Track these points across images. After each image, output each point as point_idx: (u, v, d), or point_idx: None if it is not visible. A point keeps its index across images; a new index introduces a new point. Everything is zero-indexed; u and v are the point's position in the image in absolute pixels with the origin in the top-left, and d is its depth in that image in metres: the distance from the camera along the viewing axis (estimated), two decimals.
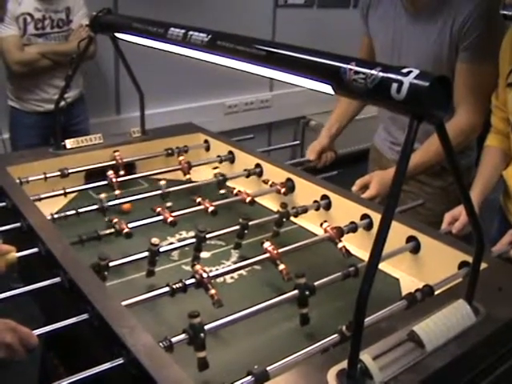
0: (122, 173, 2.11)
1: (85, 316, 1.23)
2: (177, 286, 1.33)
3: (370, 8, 2.26)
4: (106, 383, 1.23)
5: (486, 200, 1.87)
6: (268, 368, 1.08)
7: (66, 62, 3.11)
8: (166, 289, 1.33)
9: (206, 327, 1.18)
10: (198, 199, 1.81)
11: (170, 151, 2.26)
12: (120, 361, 1.09)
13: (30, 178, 1.92)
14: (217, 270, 1.47)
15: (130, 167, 2.19)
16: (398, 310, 1.28)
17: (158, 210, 1.72)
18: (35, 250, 1.50)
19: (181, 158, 2.16)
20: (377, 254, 0.94)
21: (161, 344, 1.13)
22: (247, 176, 2.11)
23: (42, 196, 1.84)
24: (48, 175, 1.97)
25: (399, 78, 0.97)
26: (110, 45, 2.16)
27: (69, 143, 2.16)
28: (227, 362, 1.28)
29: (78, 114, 3.44)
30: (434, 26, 2.02)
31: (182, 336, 1.16)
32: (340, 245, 1.63)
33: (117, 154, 2.16)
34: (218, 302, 1.35)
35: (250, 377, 1.06)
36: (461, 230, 1.69)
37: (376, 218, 1.69)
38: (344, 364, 1.01)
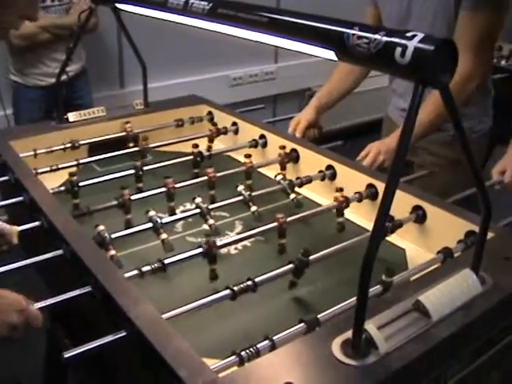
0: (131, 144, 2.11)
1: (88, 288, 1.22)
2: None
3: None
4: (111, 356, 1.23)
5: None
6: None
7: (68, 36, 3.11)
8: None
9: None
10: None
11: (179, 122, 2.26)
12: (123, 333, 1.09)
13: (33, 152, 1.91)
14: (221, 240, 1.46)
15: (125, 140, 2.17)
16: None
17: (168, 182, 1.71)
18: (37, 223, 1.50)
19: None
20: (382, 219, 0.93)
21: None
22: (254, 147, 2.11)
23: (45, 170, 1.83)
24: (52, 149, 1.95)
25: (403, 42, 0.94)
26: (113, 18, 2.13)
27: (71, 116, 2.15)
28: (230, 332, 1.29)
29: (81, 87, 3.42)
30: None
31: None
32: (341, 219, 1.66)
33: (127, 125, 2.16)
34: None
35: (302, 324, 1.12)
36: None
37: (381, 187, 1.67)
38: (349, 334, 1.00)
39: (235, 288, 1.22)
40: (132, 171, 1.84)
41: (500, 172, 1.84)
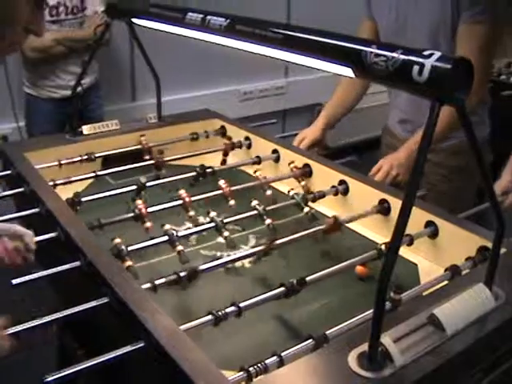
0: (146, 157, 2.13)
1: (105, 299, 1.23)
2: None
3: None
4: (126, 368, 1.24)
5: None
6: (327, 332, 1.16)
7: (81, 49, 3.14)
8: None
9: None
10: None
11: (195, 136, 2.29)
12: (141, 344, 1.10)
13: (48, 164, 1.93)
14: (235, 254, 1.48)
15: (140, 154, 2.18)
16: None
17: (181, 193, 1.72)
18: (54, 234, 1.51)
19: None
20: (398, 235, 0.94)
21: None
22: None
23: (61, 181, 1.85)
24: (66, 161, 1.98)
25: (421, 60, 0.96)
26: (125, 32, 2.16)
27: (85, 129, 2.17)
28: (247, 345, 1.30)
29: (93, 100, 3.45)
30: None
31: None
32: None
33: (143, 138, 2.18)
34: None
35: (310, 340, 1.14)
36: None
37: (393, 202, 1.69)
38: (365, 347, 1.02)
39: (219, 313, 1.21)
40: (133, 187, 1.84)
41: (503, 192, 1.87)
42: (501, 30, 2.03)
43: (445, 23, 2.03)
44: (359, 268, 1.51)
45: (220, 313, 1.20)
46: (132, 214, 1.63)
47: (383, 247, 1.45)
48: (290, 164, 1.99)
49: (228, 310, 1.21)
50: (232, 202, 1.77)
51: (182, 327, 1.14)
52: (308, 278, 1.33)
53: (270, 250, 1.48)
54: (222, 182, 1.79)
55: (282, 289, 1.29)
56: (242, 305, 1.23)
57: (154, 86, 2.33)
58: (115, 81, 3.84)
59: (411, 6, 2.10)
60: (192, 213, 1.71)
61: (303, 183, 1.95)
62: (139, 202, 1.65)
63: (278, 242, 1.51)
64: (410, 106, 2.24)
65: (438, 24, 2.04)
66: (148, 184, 1.84)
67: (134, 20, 1.98)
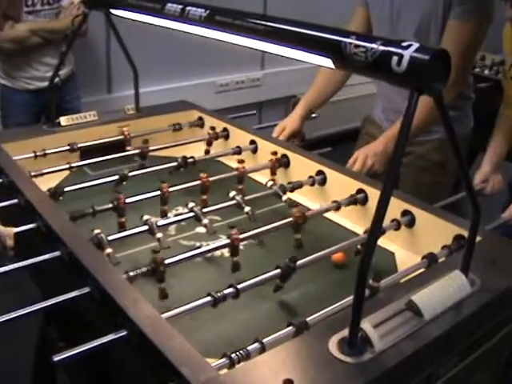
0: (128, 148, 2.13)
1: (86, 289, 1.24)
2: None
3: None
4: (108, 357, 1.25)
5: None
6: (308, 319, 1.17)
7: (57, 40, 3.12)
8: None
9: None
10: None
11: (177, 126, 2.29)
12: (124, 332, 1.11)
13: (26, 155, 1.93)
14: (214, 243, 1.49)
15: (121, 144, 2.18)
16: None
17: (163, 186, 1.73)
18: (34, 225, 1.51)
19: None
20: (377, 224, 0.96)
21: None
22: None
23: (40, 172, 1.85)
24: (44, 152, 1.97)
25: (399, 51, 0.98)
26: (101, 22, 2.15)
27: (63, 120, 2.17)
28: (229, 333, 1.31)
29: (70, 92, 3.43)
30: None
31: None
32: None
33: (125, 129, 2.18)
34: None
35: (291, 327, 1.15)
36: None
37: (371, 192, 1.72)
38: (345, 332, 1.04)
39: (218, 294, 1.23)
40: (115, 177, 1.85)
41: (482, 181, 1.92)
42: (486, 29, 2.07)
43: (436, 16, 2.07)
44: (336, 256, 1.53)
45: (219, 294, 1.23)
46: (110, 205, 1.64)
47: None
48: (272, 154, 2.01)
49: (226, 291, 1.25)
50: (204, 197, 1.79)
51: (164, 315, 1.15)
52: (299, 263, 1.36)
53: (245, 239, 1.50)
54: (202, 175, 1.81)
55: (278, 271, 1.33)
56: (239, 286, 1.27)
57: (129, 78, 2.32)
58: (91, 72, 3.82)
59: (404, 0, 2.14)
60: (165, 207, 1.72)
61: (274, 177, 1.96)
62: (120, 195, 1.65)
63: (255, 231, 1.53)
64: (399, 95, 2.27)
65: (430, 17, 2.08)
66: (131, 174, 1.85)
67: (112, 10, 1.98)
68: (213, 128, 2.26)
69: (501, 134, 2.08)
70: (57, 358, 1.05)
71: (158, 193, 1.71)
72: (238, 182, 1.89)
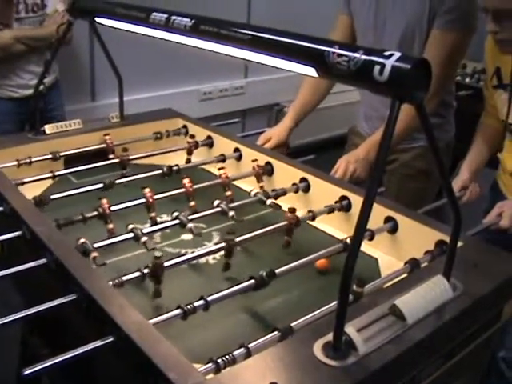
0: (111, 156, 2.14)
1: (73, 296, 1.25)
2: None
3: None
4: (96, 364, 1.26)
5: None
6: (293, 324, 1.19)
7: (41, 47, 3.12)
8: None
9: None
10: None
11: (158, 135, 2.30)
12: (110, 338, 1.12)
13: (11, 163, 1.93)
14: (199, 250, 1.51)
15: (104, 152, 2.19)
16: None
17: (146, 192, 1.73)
18: (19, 233, 1.52)
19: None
20: (361, 229, 0.98)
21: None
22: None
23: (25, 180, 1.85)
24: (29, 160, 1.97)
25: (381, 60, 1.00)
26: (85, 30, 2.16)
27: (48, 128, 2.17)
28: (215, 338, 1.32)
29: (54, 99, 3.42)
30: None
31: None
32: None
33: (107, 137, 2.18)
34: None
35: (276, 332, 1.17)
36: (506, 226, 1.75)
37: (354, 199, 1.74)
38: (329, 337, 1.06)
39: (187, 307, 1.23)
40: (100, 185, 1.85)
41: (460, 189, 1.95)
42: (470, 39, 2.12)
43: (420, 26, 2.11)
44: (319, 262, 1.55)
45: (188, 307, 1.22)
46: (96, 213, 1.64)
47: (348, 240, 1.49)
48: (253, 161, 2.02)
49: (196, 303, 1.24)
50: (192, 203, 1.80)
51: (151, 321, 1.16)
52: (277, 271, 1.36)
53: (233, 246, 1.51)
54: (186, 181, 1.81)
55: (252, 281, 1.32)
56: (209, 299, 1.25)
57: (113, 86, 2.33)
58: (75, 80, 3.83)
59: (389, 7, 2.18)
60: (153, 214, 1.72)
61: (262, 184, 1.98)
62: (104, 200, 1.66)
63: (240, 238, 1.53)
64: (382, 103, 2.30)
65: (414, 26, 2.12)
66: (116, 182, 1.87)
67: (97, 19, 1.99)
68: (192, 136, 2.27)
69: (480, 142, 2.11)
70: (27, 372, 1.04)
71: (143, 200, 1.71)
72: (225, 189, 1.90)
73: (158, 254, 1.37)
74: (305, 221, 1.69)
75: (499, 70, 1.92)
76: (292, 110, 2.45)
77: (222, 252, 1.59)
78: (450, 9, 2.03)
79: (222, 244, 1.49)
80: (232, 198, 1.83)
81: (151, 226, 1.66)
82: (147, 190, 1.72)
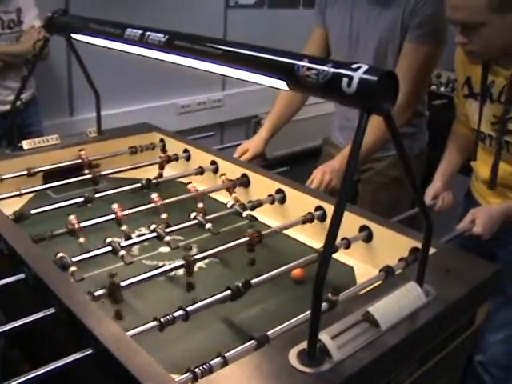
0: (86, 171, 2.14)
1: (51, 310, 1.26)
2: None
3: None
4: (74, 377, 1.27)
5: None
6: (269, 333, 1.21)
7: (18, 63, 3.12)
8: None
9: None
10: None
11: (134, 149, 2.32)
12: (89, 351, 1.13)
13: None
14: (176, 262, 1.52)
15: (81, 167, 2.20)
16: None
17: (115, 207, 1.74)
18: None
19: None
20: (332, 237, 1.00)
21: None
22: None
23: (1, 196, 1.86)
24: (7, 176, 1.99)
25: (349, 73, 1.03)
26: (62, 45, 2.17)
27: (26, 144, 2.18)
28: (192, 349, 1.34)
29: (31, 115, 3.41)
30: (389, 10, 2.15)
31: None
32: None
33: (82, 152, 2.19)
34: None
35: (252, 341, 1.18)
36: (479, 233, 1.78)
37: (329, 209, 1.76)
38: (304, 344, 1.07)
39: (163, 319, 1.24)
40: (81, 199, 1.86)
41: (433, 197, 1.98)
42: (441, 52, 2.18)
43: (393, 39, 2.17)
44: (295, 272, 1.57)
45: (166, 318, 1.24)
46: (65, 230, 1.65)
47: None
48: (221, 176, 2.05)
49: (176, 314, 1.26)
50: (164, 216, 1.80)
51: (129, 333, 1.18)
52: (253, 281, 1.38)
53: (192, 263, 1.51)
54: (154, 195, 1.83)
55: (228, 292, 1.34)
56: (189, 309, 1.28)
57: (92, 101, 2.35)
58: (53, 95, 3.82)
59: (363, 21, 2.22)
60: (124, 228, 1.72)
61: (234, 195, 2.00)
62: (72, 217, 1.67)
63: (210, 252, 1.56)
64: (355, 113, 2.33)
65: (387, 39, 2.18)
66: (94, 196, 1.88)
67: (74, 35, 2.00)
68: (165, 151, 2.29)
69: (452, 150, 2.14)
70: (22, 380, 1.06)
71: (113, 216, 1.73)
72: (196, 202, 1.90)
73: (113, 272, 1.41)
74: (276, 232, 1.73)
75: (469, 80, 1.96)
76: (268, 121, 2.48)
77: (201, 264, 1.62)
78: (421, 23, 2.09)
79: (181, 262, 1.50)
80: (205, 211, 1.84)
81: (125, 239, 1.66)
82: (115, 206, 1.73)
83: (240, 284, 1.36)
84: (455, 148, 2.13)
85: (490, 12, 1.63)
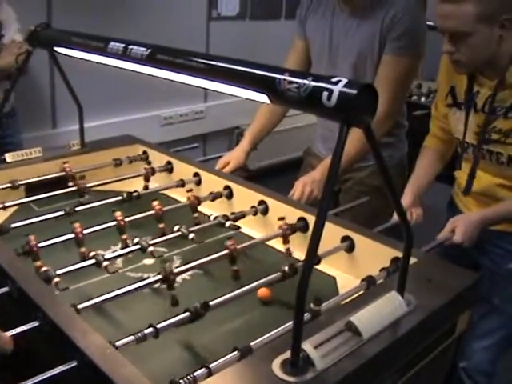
0: (70, 183, 2.14)
1: (35, 323, 1.26)
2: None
3: (309, 10, 2.38)
4: None
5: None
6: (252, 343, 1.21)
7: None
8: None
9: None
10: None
11: (117, 162, 2.32)
12: (74, 363, 1.14)
13: None
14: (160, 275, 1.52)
15: (64, 180, 2.19)
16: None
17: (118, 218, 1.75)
18: None
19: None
20: (313, 248, 1.02)
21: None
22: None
23: None
24: None
25: (329, 86, 1.05)
26: (45, 58, 2.17)
27: (8, 157, 2.18)
28: (176, 360, 1.35)
29: (10, 127, 3.40)
30: (368, 22, 2.19)
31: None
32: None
33: (66, 165, 2.19)
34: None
35: (236, 352, 1.18)
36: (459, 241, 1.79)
37: (311, 220, 1.77)
38: (287, 354, 1.09)
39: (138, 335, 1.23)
40: (61, 212, 1.86)
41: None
42: (418, 64, 2.24)
43: (372, 51, 2.20)
44: (261, 291, 1.55)
45: (137, 335, 1.23)
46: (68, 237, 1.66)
47: (286, 268, 1.51)
48: (188, 191, 2.05)
49: (146, 331, 1.24)
50: (161, 225, 1.83)
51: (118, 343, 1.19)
52: (212, 303, 1.36)
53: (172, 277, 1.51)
54: (155, 203, 1.85)
55: (187, 314, 1.31)
56: (159, 326, 1.26)
57: (74, 113, 2.36)
58: (35, 108, 3.82)
59: (342, 33, 2.26)
60: (124, 236, 1.74)
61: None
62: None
63: (179, 269, 1.55)
64: (336, 124, 2.35)
65: (366, 51, 2.21)
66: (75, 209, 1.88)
67: (56, 48, 2.01)
68: (149, 163, 2.30)
69: (425, 164, 2.15)
70: None
71: (114, 223, 1.74)
72: (193, 211, 1.95)
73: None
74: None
75: (454, 89, 1.98)
76: (249, 133, 2.50)
77: (184, 276, 1.63)
78: (398, 35, 2.12)
79: (160, 276, 1.50)
80: (199, 221, 1.87)
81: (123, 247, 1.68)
82: (118, 213, 1.75)
83: (198, 305, 1.33)
84: (428, 162, 2.14)
85: (478, 22, 1.66)
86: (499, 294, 2.00)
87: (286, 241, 1.78)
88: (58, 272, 1.48)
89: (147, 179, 2.26)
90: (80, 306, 1.33)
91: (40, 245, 1.60)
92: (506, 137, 1.82)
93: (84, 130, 2.40)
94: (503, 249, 1.99)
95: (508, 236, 1.96)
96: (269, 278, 1.50)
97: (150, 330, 1.25)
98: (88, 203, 1.97)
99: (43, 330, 1.25)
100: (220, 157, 2.44)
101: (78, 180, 2.13)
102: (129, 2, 3.96)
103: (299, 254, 1.76)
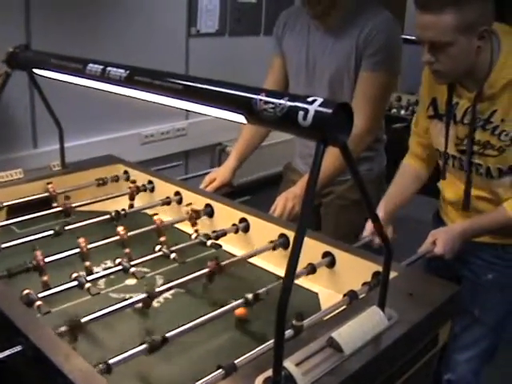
0: (54, 204, 2.14)
1: (18, 348, 1.25)
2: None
3: (285, 28, 2.41)
4: None
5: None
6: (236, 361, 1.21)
7: None
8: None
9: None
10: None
11: (101, 181, 2.33)
12: None
13: None
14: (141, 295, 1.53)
15: (48, 201, 2.20)
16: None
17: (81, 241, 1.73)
18: None
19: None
20: (293, 264, 1.03)
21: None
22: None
23: None
24: None
25: (305, 106, 1.06)
26: (24, 78, 2.18)
27: None
28: (160, 380, 1.35)
29: None
30: (343, 40, 2.22)
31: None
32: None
33: (50, 186, 2.19)
34: None
35: (220, 370, 1.18)
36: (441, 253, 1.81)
37: (292, 236, 1.78)
38: (270, 372, 1.09)
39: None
40: (45, 233, 1.85)
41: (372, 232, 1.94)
42: (395, 79, 2.28)
43: (348, 68, 2.23)
44: (238, 311, 1.54)
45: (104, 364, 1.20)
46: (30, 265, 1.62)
47: (250, 296, 1.49)
48: (187, 205, 2.07)
49: (111, 361, 1.21)
50: (127, 250, 1.78)
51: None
52: (168, 335, 1.32)
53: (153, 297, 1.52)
54: (120, 229, 1.83)
55: (145, 346, 1.27)
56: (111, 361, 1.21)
57: (55, 132, 2.36)
58: (15, 128, 3.80)
59: (319, 49, 2.28)
60: (88, 263, 1.70)
61: (196, 228, 1.99)
62: (38, 253, 1.64)
63: (178, 281, 1.57)
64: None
65: (343, 68, 2.24)
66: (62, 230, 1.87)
67: (35, 70, 2.01)
68: (133, 182, 2.31)
69: (401, 183, 2.17)
70: None
71: (78, 250, 1.71)
72: (159, 235, 1.90)
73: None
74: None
75: (435, 101, 1.99)
76: (235, 150, 2.51)
77: (167, 295, 1.64)
78: (374, 52, 2.16)
79: (142, 295, 1.50)
80: (167, 244, 1.84)
81: (87, 275, 1.64)
82: (82, 240, 1.73)
83: (159, 339, 1.30)
84: (404, 181, 2.16)
85: (458, 33, 1.67)
86: (480, 305, 2.01)
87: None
88: (40, 295, 1.47)
89: (132, 198, 2.27)
90: (62, 329, 1.32)
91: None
92: (484, 148, 1.85)
93: (65, 149, 2.40)
94: (484, 260, 2.01)
95: (488, 247, 1.98)
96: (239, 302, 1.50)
97: (100, 366, 1.19)
98: (74, 223, 1.96)
99: (26, 354, 1.25)
100: (203, 174, 2.46)
101: (64, 200, 2.12)
102: (109, 22, 3.96)
103: (281, 270, 1.77)
